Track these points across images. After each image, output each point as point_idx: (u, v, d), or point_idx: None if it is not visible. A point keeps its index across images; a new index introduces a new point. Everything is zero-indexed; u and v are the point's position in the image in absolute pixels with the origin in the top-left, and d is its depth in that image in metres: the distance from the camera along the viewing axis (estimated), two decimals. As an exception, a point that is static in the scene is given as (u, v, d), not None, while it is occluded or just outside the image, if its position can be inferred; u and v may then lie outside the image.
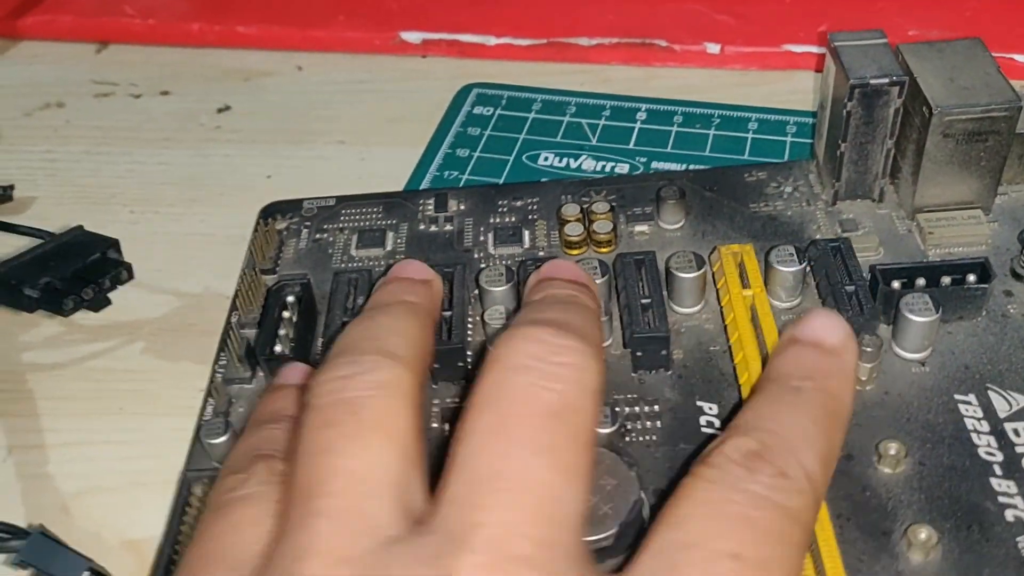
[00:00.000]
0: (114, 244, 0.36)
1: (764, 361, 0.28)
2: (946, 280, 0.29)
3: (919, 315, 0.28)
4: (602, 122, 0.38)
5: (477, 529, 0.18)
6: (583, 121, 0.39)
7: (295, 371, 0.28)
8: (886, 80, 0.30)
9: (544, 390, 0.21)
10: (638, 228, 0.34)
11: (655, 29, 0.39)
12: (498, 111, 0.40)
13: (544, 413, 0.20)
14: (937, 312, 0.28)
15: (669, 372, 0.29)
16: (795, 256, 0.30)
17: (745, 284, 0.30)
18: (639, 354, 0.29)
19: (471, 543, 0.18)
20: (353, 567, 0.18)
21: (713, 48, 0.39)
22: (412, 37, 0.42)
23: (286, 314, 0.31)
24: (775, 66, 0.39)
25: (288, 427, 0.25)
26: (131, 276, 0.35)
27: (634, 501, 0.25)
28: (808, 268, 0.30)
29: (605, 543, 0.24)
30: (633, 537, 0.25)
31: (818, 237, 0.32)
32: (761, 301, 0.29)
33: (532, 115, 0.40)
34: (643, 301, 0.29)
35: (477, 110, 0.40)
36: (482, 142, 0.39)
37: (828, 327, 0.25)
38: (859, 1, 0.38)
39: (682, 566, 0.19)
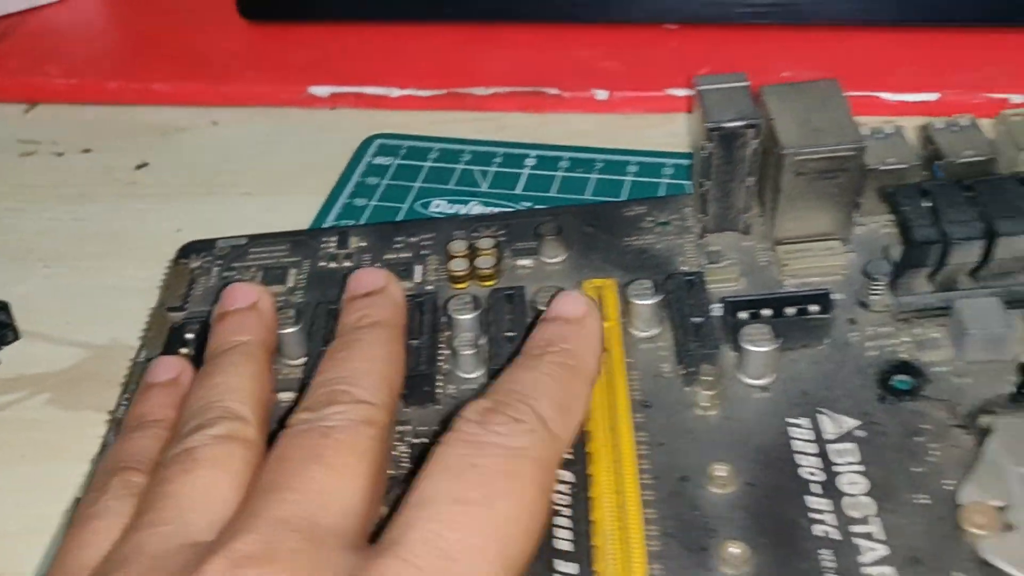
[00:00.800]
0: (3, 307, 0.38)
1: (610, 388, 0.30)
2: (790, 311, 0.31)
3: (758, 345, 0.30)
4: (493, 169, 0.41)
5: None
6: (475, 168, 0.41)
7: (166, 366, 0.30)
8: (741, 123, 0.33)
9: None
10: (521, 263, 0.36)
11: (547, 78, 0.41)
12: (397, 161, 0.42)
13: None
14: (776, 342, 0.30)
15: (531, 399, 0.31)
16: (651, 289, 0.32)
17: (605, 318, 0.32)
18: (500, 383, 0.31)
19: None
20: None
21: (601, 94, 0.41)
22: (320, 91, 0.44)
23: (184, 351, 0.33)
24: (658, 109, 0.41)
25: (157, 433, 0.27)
26: (17, 336, 0.37)
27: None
28: (664, 300, 0.32)
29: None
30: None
31: (682, 269, 0.34)
32: (614, 333, 0.31)
33: (428, 164, 0.42)
34: (507, 334, 0.32)
35: (378, 160, 0.42)
36: (379, 191, 0.41)
37: (568, 303, 0.29)
38: (740, 45, 0.40)
39: (415, 522, 0.22)
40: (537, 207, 0.38)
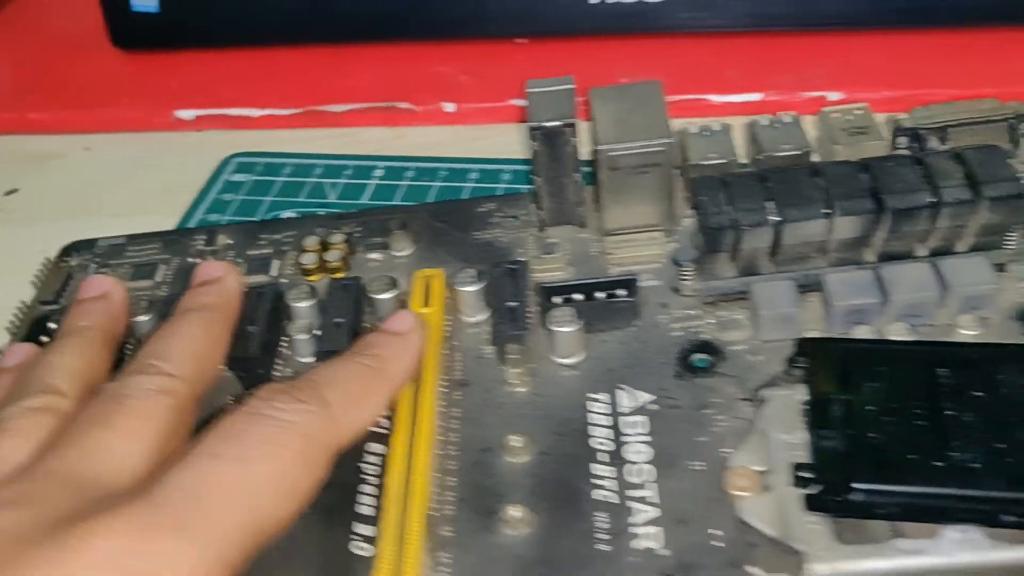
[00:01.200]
0: None
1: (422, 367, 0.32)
2: (600, 295, 0.34)
3: (562, 326, 0.32)
4: (343, 181, 0.43)
5: None
6: (326, 181, 0.43)
7: (15, 353, 0.33)
8: (560, 123, 0.35)
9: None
10: (371, 256, 0.38)
11: (401, 93, 0.44)
12: (253, 177, 0.44)
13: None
14: (578, 324, 0.32)
15: (359, 380, 0.33)
16: (474, 277, 0.34)
17: (427, 303, 0.34)
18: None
19: None
20: None
21: (449, 107, 0.43)
22: (186, 114, 0.46)
23: (44, 339, 0.35)
24: (503, 120, 0.43)
25: None
26: None
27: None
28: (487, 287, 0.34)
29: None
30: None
31: (507, 259, 0.36)
32: (436, 317, 0.33)
33: (282, 179, 0.44)
34: (337, 320, 0.34)
35: (235, 177, 0.45)
36: (234, 207, 0.43)
37: (397, 319, 0.32)
38: (585, 55, 0.43)
39: (171, 470, 0.25)
40: (394, 204, 0.40)
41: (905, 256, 0.33)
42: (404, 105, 0.44)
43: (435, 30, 0.45)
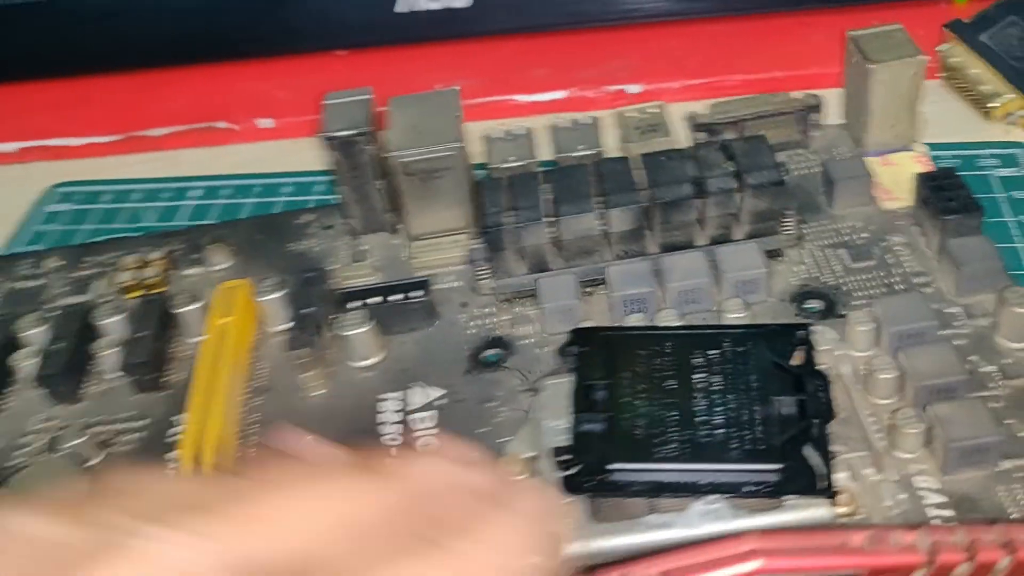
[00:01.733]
0: None
1: (215, 367, 0.33)
2: (396, 297, 0.35)
3: (350, 329, 0.33)
4: (160, 204, 0.44)
5: None
6: (143, 205, 0.44)
7: None
8: (353, 132, 0.36)
9: None
10: (189, 271, 0.39)
11: (219, 113, 0.45)
12: (73, 206, 0.45)
13: None
14: (366, 326, 0.33)
15: (164, 392, 0.34)
16: (275, 286, 0.35)
17: (228, 313, 0.35)
18: (133, 378, 0.34)
19: None
20: None
21: (266, 123, 0.44)
22: (8, 147, 0.47)
23: None
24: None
25: None
26: None
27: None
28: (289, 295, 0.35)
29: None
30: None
31: (323, 267, 0.37)
32: (235, 326, 0.34)
33: (102, 206, 0.45)
34: (140, 334, 0.35)
35: (55, 208, 0.45)
36: (54, 237, 0.44)
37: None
38: (404, 63, 0.44)
39: None
40: (216, 223, 0.41)
41: (686, 246, 0.34)
42: (222, 124, 0.44)
43: (249, 48, 0.46)
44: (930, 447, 0.28)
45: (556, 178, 0.34)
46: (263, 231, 0.40)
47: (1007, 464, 0.28)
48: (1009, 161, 0.39)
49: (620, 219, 0.33)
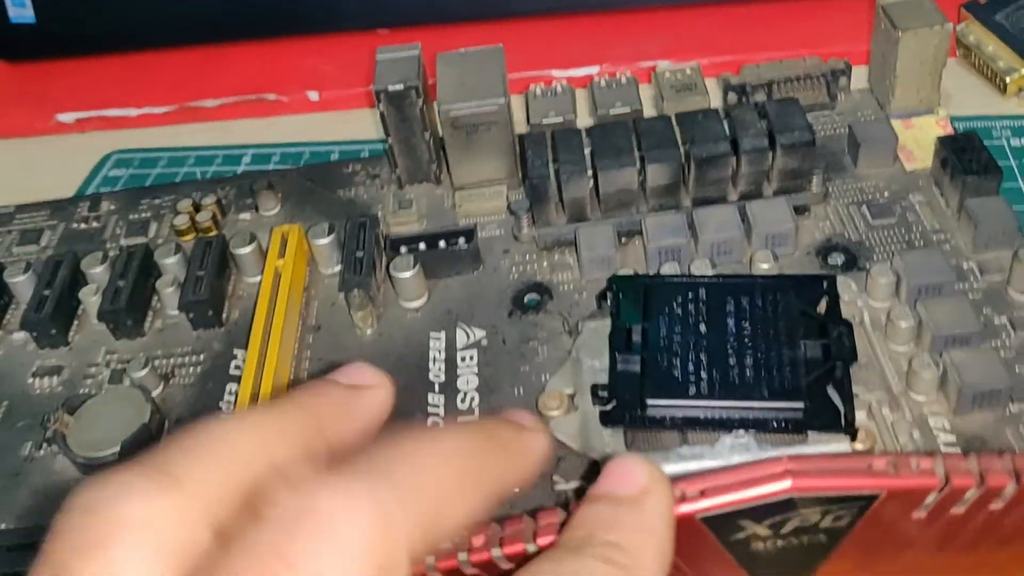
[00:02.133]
0: None
1: (271, 306, 0.35)
2: (442, 244, 0.37)
3: (400, 272, 0.35)
4: (212, 168, 0.46)
5: None
6: (197, 170, 0.46)
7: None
8: (402, 86, 0.38)
9: None
10: (241, 216, 0.41)
11: (269, 86, 0.46)
12: (129, 171, 0.47)
13: None
14: (413, 269, 0.35)
15: (221, 328, 0.36)
16: (326, 231, 0.37)
17: (282, 255, 0.37)
18: (191, 315, 0.36)
19: None
20: None
21: (314, 95, 0.46)
22: (67, 117, 0.48)
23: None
24: (364, 105, 0.46)
25: None
26: None
27: (140, 425, 0.32)
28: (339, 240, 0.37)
29: (110, 459, 0.32)
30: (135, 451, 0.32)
31: (373, 213, 0.39)
32: (288, 265, 0.36)
33: (157, 171, 0.47)
34: (199, 273, 0.37)
35: (113, 173, 0.47)
36: None
37: (621, 474, 0.22)
38: (441, 42, 0.45)
39: None
40: (266, 170, 0.43)
41: (718, 201, 0.36)
42: (271, 96, 0.46)
43: (298, 26, 0.48)
44: (944, 390, 0.30)
45: (597, 134, 0.36)
46: (312, 179, 0.42)
47: (1015, 408, 0.30)
48: (1021, 132, 0.41)
49: (658, 174, 0.35)
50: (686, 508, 0.22)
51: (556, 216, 0.37)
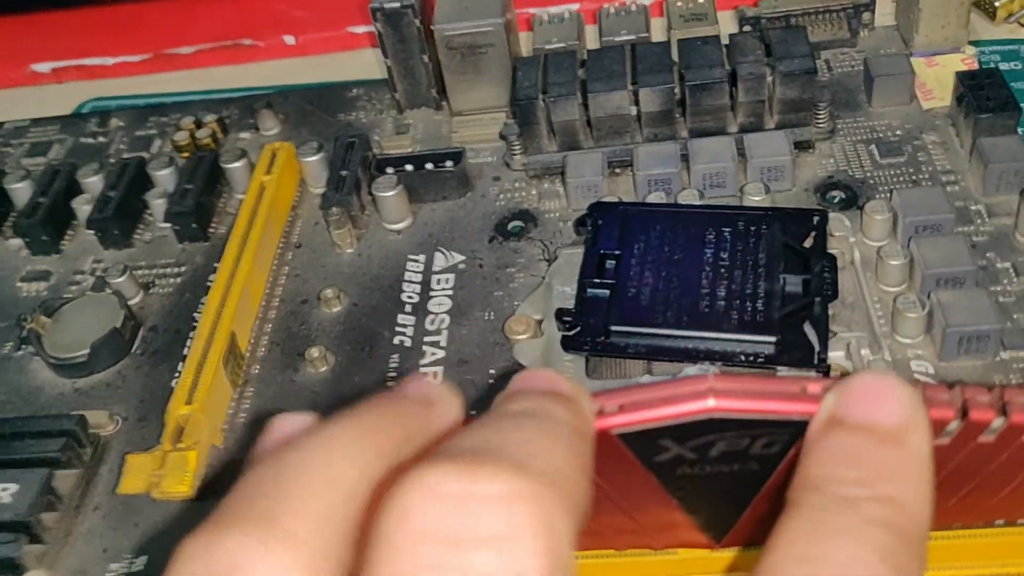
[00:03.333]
0: None
1: (252, 219, 0.34)
2: (429, 165, 0.36)
3: (383, 191, 0.35)
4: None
5: None
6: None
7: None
8: (398, 4, 0.37)
9: None
10: (242, 135, 0.41)
11: (244, 31, 0.45)
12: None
13: None
14: (396, 189, 0.34)
15: (207, 242, 0.36)
16: (316, 149, 0.37)
17: (269, 171, 0.36)
18: (177, 227, 0.36)
19: None
20: None
21: (290, 40, 0.45)
22: (42, 67, 0.48)
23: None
24: (342, 47, 0.45)
25: None
26: None
27: (112, 329, 0.32)
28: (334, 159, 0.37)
29: (80, 360, 0.32)
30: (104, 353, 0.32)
31: (378, 138, 0.39)
32: (273, 181, 0.36)
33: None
34: (187, 186, 0.36)
35: None
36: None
37: (876, 398, 0.18)
38: None
39: None
40: (269, 91, 0.43)
41: (716, 132, 0.35)
42: (247, 42, 0.46)
43: None
44: (931, 333, 0.28)
45: (592, 57, 0.35)
46: (313, 101, 0.42)
47: (1006, 355, 0.28)
48: (1011, 56, 0.38)
49: (650, 99, 0.34)
50: (603, 423, 0.21)
51: (548, 143, 0.36)
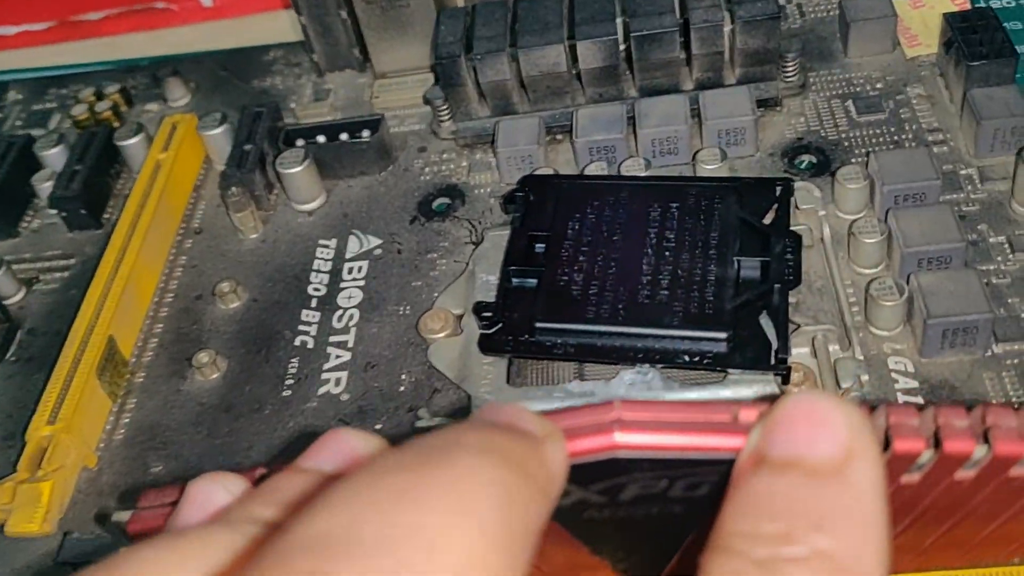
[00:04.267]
0: None
1: (143, 203, 0.30)
2: (343, 136, 0.31)
3: (288, 167, 0.30)
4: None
5: None
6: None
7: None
8: (309, -48, 0.32)
9: None
10: (148, 107, 0.36)
11: None
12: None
13: None
14: (302, 164, 0.30)
15: (100, 230, 0.32)
16: (218, 121, 0.32)
17: (167, 148, 0.32)
18: (64, 214, 0.32)
19: None
20: None
21: (206, 1, 0.41)
22: None
23: None
24: (261, 9, 0.40)
25: None
26: None
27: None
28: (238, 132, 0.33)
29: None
30: None
31: (295, 106, 0.34)
32: (170, 159, 0.32)
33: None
34: (75, 167, 0.32)
35: None
36: None
37: (809, 426, 0.14)
38: None
39: None
40: (180, 56, 0.38)
41: (670, 91, 0.30)
42: (160, 5, 0.41)
43: None
44: (911, 324, 0.24)
45: (524, 6, 0.30)
46: (227, 67, 0.37)
47: (999, 348, 0.24)
48: None
49: (590, 54, 0.29)
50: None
51: (478, 108, 0.31)
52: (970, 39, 0.28)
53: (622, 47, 0.29)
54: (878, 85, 0.30)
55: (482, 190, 0.30)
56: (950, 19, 0.29)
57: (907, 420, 0.16)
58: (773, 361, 0.23)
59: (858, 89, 0.30)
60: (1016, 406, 0.18)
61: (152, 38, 0.41)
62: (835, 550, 0.13)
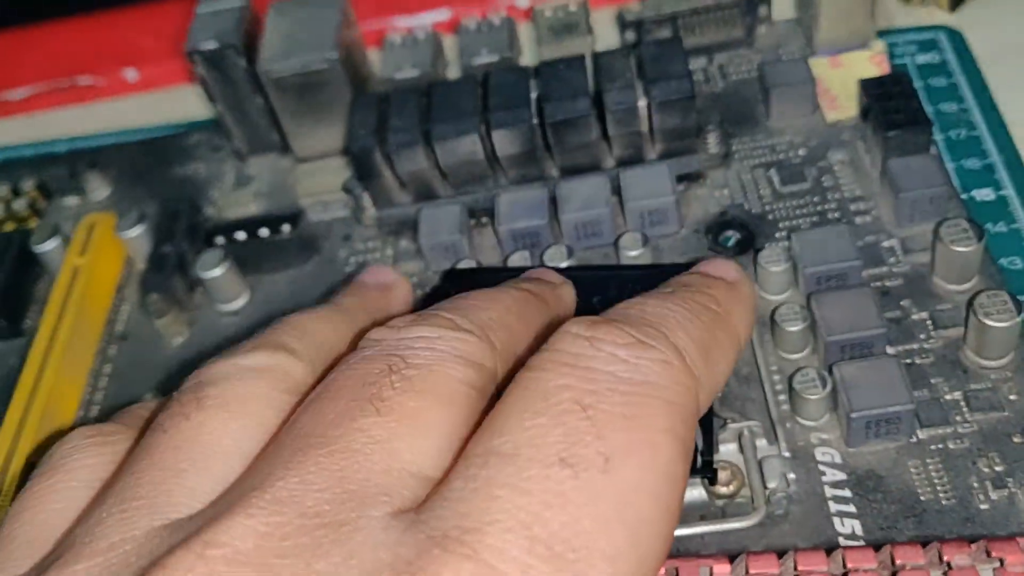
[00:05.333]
0: None
1: (62, 314, 0.30)
2: (264, 231, 0.31)
3: (207, 271, 0.30)
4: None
5: None
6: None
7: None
8: (216, 44, 0.32)
9: None
10: (67, 200, 0.36)
11: (80, 68, 0.39)
12: None
13: None
14: (225, 266, 0.30)
15: (21, 339, 0.31)
16: (136, 220, 0.32)
17: (84, 251, 0.31)
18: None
19: None
20: None
21: (132, 74, 0.40)
22: None
23: None
24: (188, 80, 0.39)
25: None
26: None
27: None
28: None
29: None
30: None
31: (178, 201, 0.33)
32: (87, 264, 0.31)
33: None
34: (-9, 276, 0.32)
35: None
36: None
37: (719, 264, 0.23)
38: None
39: (494, 494, 0.15)
40: (99, 146, 0.37)
41: (590, 169, 0.30)
42: (85, 80, 0.40)
43: None
44: (837, 413, 0.24)
45: (438, 93, 0.30)
46: (148, 154, 0.37)
47: (923, 434, 0.24)
48: (929, 46, 0.33)
49: (506, 142, 0.29)
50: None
51: (399, 194, 0.31)
52: (886, 107, 0.28)
53: (539, 132, 0.29)
54: (800, 151, 0.30)
55: (411, 278, 0.30)
56: (865, 85, 0.29)
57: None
58: (699, 465, 0.23)
59: (781, 157, 0.30)
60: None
61: (79, 115, 0.40)
62: (717, 297, 0.21)
